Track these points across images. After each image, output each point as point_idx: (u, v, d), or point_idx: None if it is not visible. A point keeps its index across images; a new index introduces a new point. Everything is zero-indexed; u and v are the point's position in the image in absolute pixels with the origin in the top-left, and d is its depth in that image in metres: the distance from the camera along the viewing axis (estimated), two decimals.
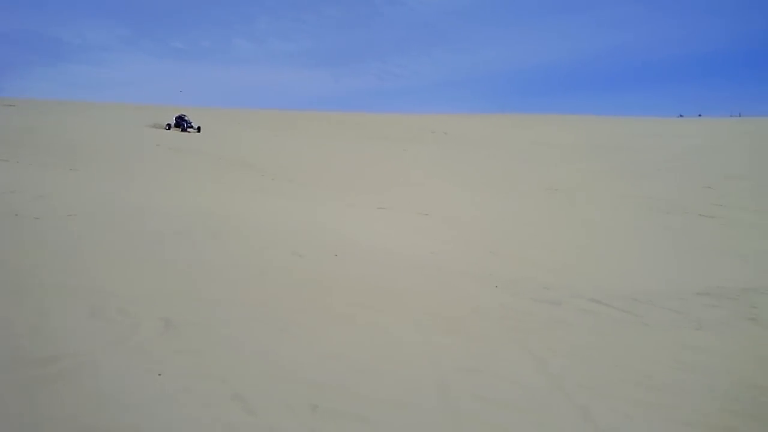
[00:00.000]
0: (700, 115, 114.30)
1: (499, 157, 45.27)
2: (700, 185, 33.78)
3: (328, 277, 12.22)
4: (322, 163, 35.48)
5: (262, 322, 9.14)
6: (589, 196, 30.64)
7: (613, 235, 22.14)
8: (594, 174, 37.94)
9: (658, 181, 35.49)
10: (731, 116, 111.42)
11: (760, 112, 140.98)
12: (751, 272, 16.50)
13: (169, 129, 44.30)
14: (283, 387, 7.11)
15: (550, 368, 8.42)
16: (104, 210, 15.54)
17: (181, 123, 45.18)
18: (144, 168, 24.75)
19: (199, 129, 44.89)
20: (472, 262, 16.00)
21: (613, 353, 9.29)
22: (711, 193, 31.75)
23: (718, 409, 7.45)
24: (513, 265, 16.19)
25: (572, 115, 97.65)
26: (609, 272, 16.14)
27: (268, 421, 6.34)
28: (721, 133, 65.17)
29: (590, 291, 13.12)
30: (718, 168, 39.77)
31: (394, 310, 10.52)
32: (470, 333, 9.75)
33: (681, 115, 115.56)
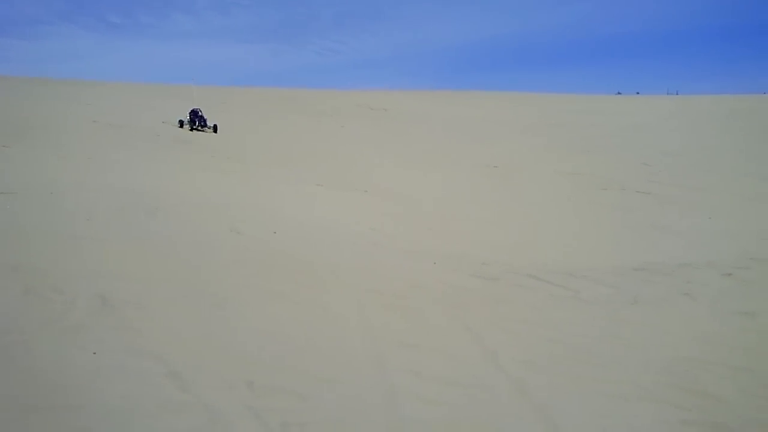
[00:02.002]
0: (638, 93, 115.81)
1: (438, 133, 45.38)
2: (638, 162, 34.26)
3: (266, 253, 12.16)
4: (261, 140, 35.26)
5: (198, 299, 9.07)
6: (528, 172, 30.89)
7: (551, 211, 22.36)
8: (533, 151, 38.26)
9: (596, 157, 35.92)
10: (668, 94, 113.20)
11: (696, 90, 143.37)
12: (686, 248, 16.80)
13: (181, 126, 36.37)
14: (219, 364, 7.06)
15: (486, 343, 8.49)
16: (39, 188, 15.23)
17: (194, 119, 36.43)
18: (81, 145, 24.30)
19: (215, 128, 36.10)
20: (411, 238, 16.05)
21: (550, 328, 9.40)
22: (648, 169, 32.21)
23: (653, 383, 7.58)
24: (452, 241, 16.28)
25: (512, 92, 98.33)
26: (547, 248, 16.32)
27: (203, 398, 6.29)
28: (658, 110, 66.18)
29: (528, 267, 13.24)
30: (655, 145, 40.37)
31: (333, 286, 10.52)
32: (408, 309, 9.80)
33: (619, 93, 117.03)
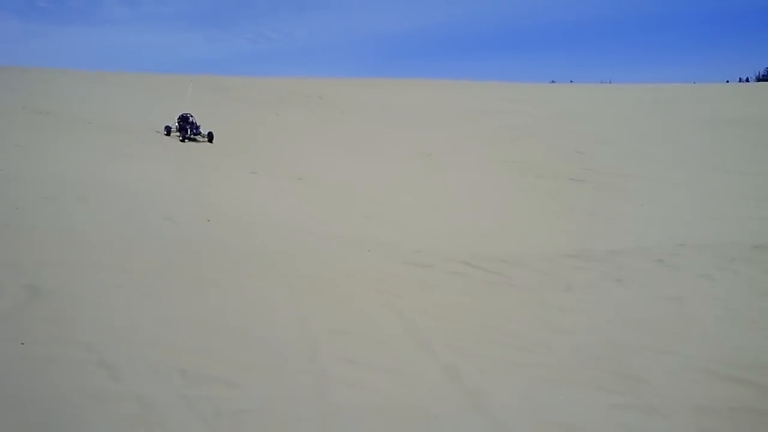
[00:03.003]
0: (571, 81, 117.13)
1: (373, 121, 45.34)
2: (571, 150, 34.64)
3: (199, 241, 12.07)
4: None
5: (130, 288, 8.95)
6: (462, 160, 31.05)
7: (484, 198, 22.53)
8: (467, 138, 38.45)
9: (530, 145, 36.24)
10: (601, 83, 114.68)
11: (629, 79, 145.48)
12: (619, 235, 17.07)
13: (167, 134, 30.45)
14: (151, 353, 6.98)
15: (419, 330, 8.53)
16: None
17: (185, 127, 30.24)
18: (9, 132, 23.76)
19: (210, 137, 30.23)
20: (345, 226, 16.05)
21: (482, 314, 9.48)
22: (581, 157, 32.60)
23: (583, 367, 7.70)
24: (386, 228, 16.31)
25: (447, 80, 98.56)
26: (480, 235, 16.43)
27: (135, 388, 6.21)
28: (592, 99, 67.02)
29: (461, 254, 13.31)
30: (588, 133, 40.87)
31: (266, 274, 10.48)
32: (341, 296, 9.81)
33: (553, 81, 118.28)
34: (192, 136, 30.09)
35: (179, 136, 29.68)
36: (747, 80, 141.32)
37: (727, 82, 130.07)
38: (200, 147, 28.15)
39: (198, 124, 30.59)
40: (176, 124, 30.57)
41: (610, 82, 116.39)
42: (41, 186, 14.75)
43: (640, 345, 8.61)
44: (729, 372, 7.83)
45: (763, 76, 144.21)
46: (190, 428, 5.69)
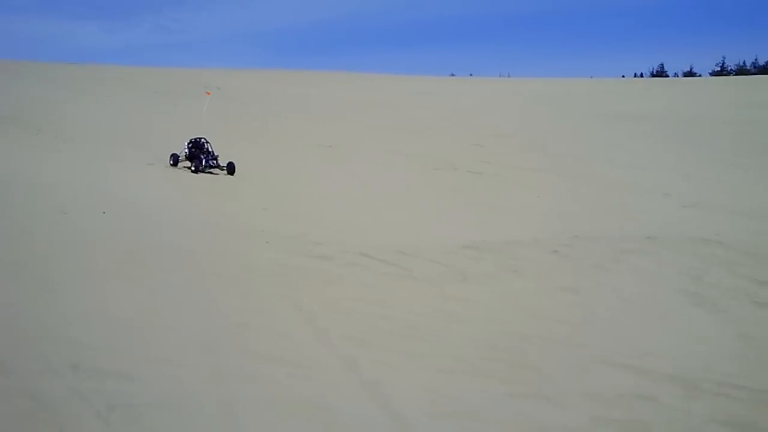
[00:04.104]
0: (471, 75, 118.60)
1: (274, 112, 45.10)
2: (470, 143, 35.08)
3: (94, 234, 11.84)
4: (90, 118, 33.96)
5: (22, 282, 8.75)
6: (362, 152, 31.16)
7: (384, 191, 22.67)
8: (367, 130, 38.62)
9: (430, 138, 36.57)
10: (500, 76, 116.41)
11: (527, 74, 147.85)
12: (515, 226, 17.39)
13: (174, 164, 23.65)
14: (43, 347, 6.83)
15: (318, 322, 8.57)
16: None
17: (199, 156, 23.59)
18: None
19: (231, 168, 23.18)
20: (244, 218, 15.94)
21: (380, 306, 9.57)
22: (480, 150, 33.07)
23: (480, 357, 7.84)
24: (285, 221, 16.26)
25: (348, 72, 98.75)
26: (379, 227, 16.54)
27: (27, 383, 6.08)
28: (491, 92, 67.95)
29: (361, 246, 13.38)
30: (487, 126, 41.46)
31: (163, 267, 10.36)
32: (240, 289, 9.78)
33: (453, 75, 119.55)
34: (208, 166, 23.12)
35: (190, 167, 22.98)
36: (641, 75, 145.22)
37: (623, 77, 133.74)
38: (97, 139, 27.51)
39: (215, 153, 23.89)
40: (185, 150, 23.93)
41: (509, 76, 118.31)
42: None
43: (536, 335, 8.83)
44: (620, 360, 8.09)
45: (657, 71, 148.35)
46: (84, 423, 5.61)
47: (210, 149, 23.95)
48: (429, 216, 18.83)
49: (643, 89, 79.11)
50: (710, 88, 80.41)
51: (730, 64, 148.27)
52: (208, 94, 28.06)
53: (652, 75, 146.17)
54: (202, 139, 24.20)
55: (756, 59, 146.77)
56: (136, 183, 18.83)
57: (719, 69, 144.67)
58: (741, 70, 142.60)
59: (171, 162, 23.58)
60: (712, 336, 9.46)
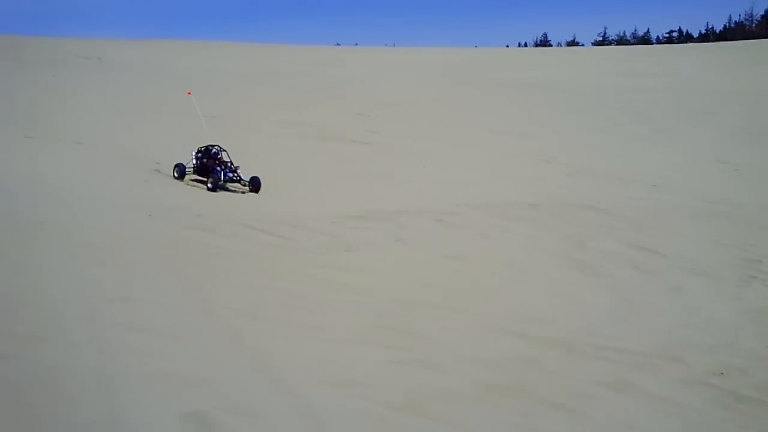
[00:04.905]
0: (356, 45, 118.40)
1: (156, 83, 44.10)
2: (355, 113, 35.08)
3: None
4: None
5: None
6: (247, 123, 30.79)
7: (269, 161, 22.51)
8: (251, 101, 38.19)
9: (316, 108, 36.40)
10: (386, 46, 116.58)
11: (413, 43, 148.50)
12: (401, 195, 17.51)
13: (180, 177, 18.98)
14: None
15: (202, 294, 8.53)
16: None
17: (213, 167, 19.02)
18: None
19: (255, 185, 18.29)
20: (126, 191, 15.63)
21: (266, 276, 9.59)
22: (366, 120, 33.09)
23: (369, 326, 7.94)
24: (168, 193, 16.07)
25: (232, 42, 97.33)
26: (263, 198, 16.49)
27: None
28: (377, 62, 68.00)
29: (245, 217, 13.35)
30: (373, 96, 41.50)
31: (45, 243, 10.09)
32: (123, 263, 9.63)
33: (338, 44, 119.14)
34: (227, 181, 18.84)
35: (207, 183, 18.29)
36: (525, 45, 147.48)
37: (507, 46, 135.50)
38: None
39: (234, 164, 19.37)
40: (194, 161, 19.70)
41: (394, 45, 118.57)
42: None
43: (421, 302, 8.97)
44: (504, 325, 8.31)
45: (541, 41, 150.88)
46: None
47: (227, 159, 19.54)
48: (314, 186, 18.79)
49: (527, 58, 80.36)
50: (593, 58, 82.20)
51: (611, 35, 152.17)
52: (189, 93, 23.42)
53: (536, 44, 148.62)
54: (215, 148, 19.89)
55: (635, 30, 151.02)
56: (12, 156, 18.24)
57: (601, 39, 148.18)
58: (621, 41, 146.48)
59: (175, 174, 18.92)
60: (594, 301, 9.79)
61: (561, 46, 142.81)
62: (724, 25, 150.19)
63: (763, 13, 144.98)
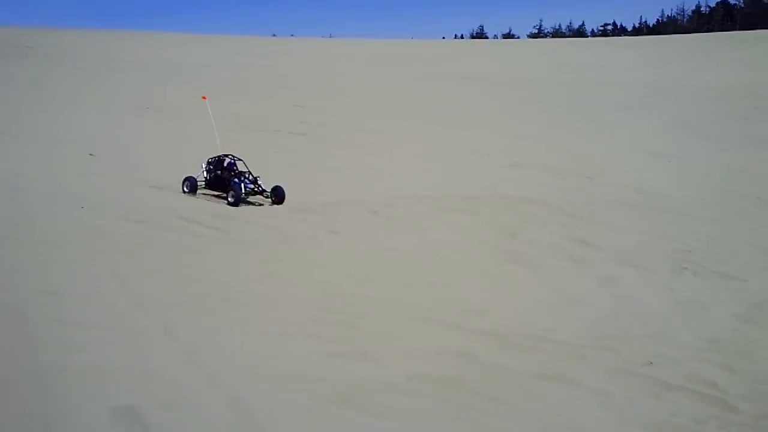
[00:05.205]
0: (292, 35, 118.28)
1: (88, 74, 43.53)
2: (292, 104, 34.99)
3: None
4: None
5: None
6: (183, 114, 30.54)
7: (204, 153, 22.33)
8: (188, 92, 37.84)
9: (252, 99, 36.26)
10: (322, 37, 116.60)
11: (349, 35, 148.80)
12: (338, 187, 17.50)
13: (191, 191, 16.98)
14: None
15: (133, 287, 8.44)
16: None
17: (230, 179, 16.95)
18: None
19: (279, 195, 16.20)
20: (58, 182, 15.40)
21: (201, 269, 9.52)
22: (303, 111, 33.03)
23: (305, 318, 7.93)
24: (100, 184, 15.84)
25: (168, 32, 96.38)
26: (200, 190, 16.33)
27: None
28: (313, 53, 67.88)
29: (179, 209, 13.23)
30: (310, 87, 41.43)
31: None
32: (51, 256, 9.47)
33: (274, 35, 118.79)
34: (248, 193, 16.98)
35: (229, 197, 16.12)
36: (462, 37, 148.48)
37: (444, 38, 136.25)
38: None
39: (254, 174, 17.55)
40: (205, 174, 17.94)
41: (330, 37, 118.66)
42: None
43: (358, 294, 8.99)
44: (439, 318, 8.35)
45: (477, 33, 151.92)
46: None
47: (245, 169, 17.82)
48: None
49: (465, 50, 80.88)
50: (529, 51, 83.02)
51: (547, 27, 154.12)
52: (204, 98, 20.63)
53: (472, 37, 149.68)
54: (228, 157, 18.25)
55: (570, 23, 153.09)
56: None
57: (537, 31, 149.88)
58: (557, 33, 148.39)
59: (185, 189, 16.96)
60: (529, 292, 9.90)
61: (497, 38, 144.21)
62: (657, 19, 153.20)
63: (694, 8, 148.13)
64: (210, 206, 13.88)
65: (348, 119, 31.64)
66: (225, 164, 17.86)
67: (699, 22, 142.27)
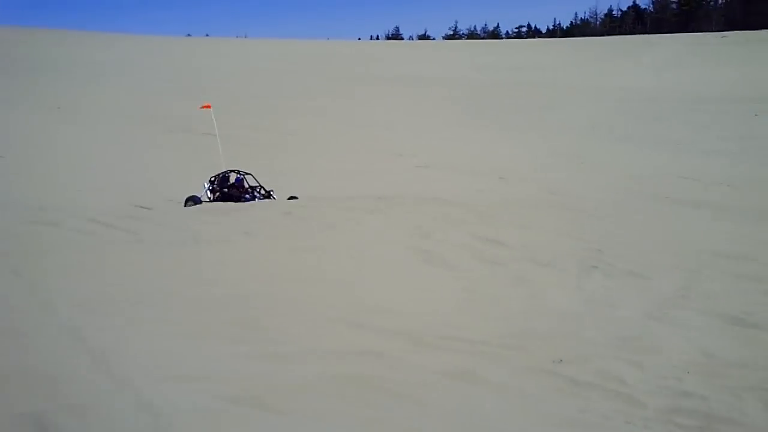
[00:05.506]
0: (207, 35, 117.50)
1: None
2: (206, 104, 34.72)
3: None
4: None
5: None
6: (93, 114, 30.15)
7: (116, 153, 22.10)
8: (99, 92, 37.36)
9: (165, 100, 35.93)
10: (238, 37, 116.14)
11: (263, 35, 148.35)
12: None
13: (193, 202, 15.63)
14: None
15: (42, 290, 8.29)
16: None
17: (244, 199, 16.65)
18: None
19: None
20: None
21: (110, 271, 9.39)
22: (215, 112, 32.73)
23: (214, 320, 7.86)
24: (9, 185, 15.54)
25: (79, 30, 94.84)
26: (109, 191, 16.18)
27: None
28: (229, 53, 67.54)
29: (88, 211, 13.02)
30: (223, 88, 41.18)
31: None
32: None
33: (189, 35, 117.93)
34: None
35: None
36: (377, 38, 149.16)
37: (359, 39, 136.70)
38: None
39: (267, 188, 17.27)
40: (209, 194, 16.89)
41: (246, 37, 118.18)
42: None
43: (268, 294, 8.94)
44: (350, 318, 8.34)
45: (392, 34, 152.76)
46: None
47: (255, 183, 17.35)
48: (161, 178, 18.56)
49: (381, 51, 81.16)
50: (445, 51, 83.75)
51: (462, 29, 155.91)
52: (208, 107, 19.74)
53: (388, 38, 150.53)
54: (233, 173, 17.54)
55: (485, 25, 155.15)
56: None
57: (452, 33, 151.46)
58: (472, 35, 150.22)
59: (189, 203, 15.55)
60: (441, 292, 9.94)
61: (413, 39, 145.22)
62: (571, 22, 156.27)
63: (606, 11, 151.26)
64: (123, 208, 13.66)
65: (262, 120, 31.53)
66: (232, 181, 17.17)
67: (611, 26, 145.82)
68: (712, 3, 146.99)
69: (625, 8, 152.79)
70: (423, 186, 17.84)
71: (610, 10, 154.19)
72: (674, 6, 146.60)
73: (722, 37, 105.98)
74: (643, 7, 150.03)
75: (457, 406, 6.44)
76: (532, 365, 7.47)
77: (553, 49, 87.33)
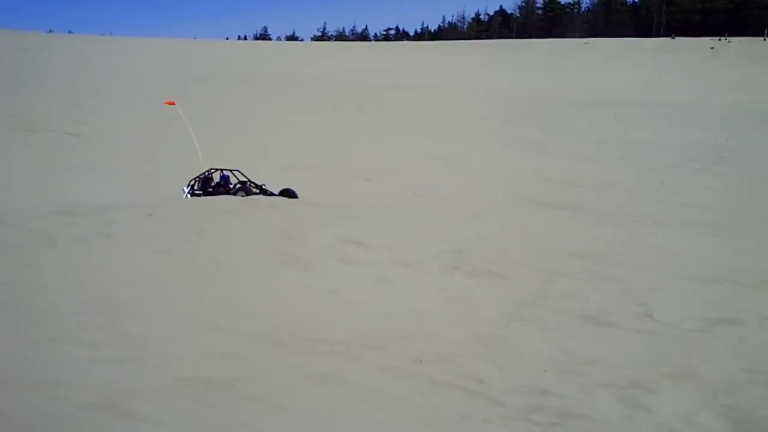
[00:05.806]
0: (70, 32, 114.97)
1: None
2: (68, 103, 33.98)
3: None
4: None
5: None
6: None
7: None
8: None
9: (25, 98, 34.85)
10: (102, 35, 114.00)
11: (129, 33, 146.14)
12: (111, 190, 17.15)
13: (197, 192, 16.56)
14: None
15: None
16: None
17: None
18: None
19: (291, 197, 16.56)
20: None
21: None
22: (78, 111, 32.06)
23: (70, 324, 7.66)
24: None
25: None
26: None
27: None
28: (92, 51, 66.08)
29: None
30: (87, 86, 40.34)
31: None
32: None
33: (51, 31, 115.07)
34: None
35: None
36: (245, 38, 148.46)
37: (227, 39, 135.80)
38: None
39: (259, 182, 17.03)
40: (188, 195, 16.38)
41: (111, 35, 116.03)
42: None
43: (126, 298, 8.77)
44: (212, 321, 8.28)
45: (261, 34, 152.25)
46: None
47: (244, 179, 16.84)
48: (19, 179, 18.02)
49: (250, 51, 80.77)
50: (314, 52, 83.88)
51: (331, 30, 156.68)
52: (173, 104, 18.95)
53: (256, 38, 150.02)
54: (217, 171, 16.86)
55: (354, 26, 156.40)
56: None
57: (320, 34, 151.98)
58: (341, 36, 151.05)
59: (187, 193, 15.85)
60: (302, 293, 9.95)
61: (281, 40, 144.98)
62: (439, 25, 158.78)
63: (473, 15, 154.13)
64: None
65: (125, 120, 30.95)
66: (217, 180, 16.65)
67: (478, 30, 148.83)
68: (575, 10, 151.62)
69: (492, 13, 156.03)
70: (287, 187, 17.72)
71: (478, 15, 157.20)
72: (539, 12, 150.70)
73: (585, 43, 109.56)
74: (509, 12, 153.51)
75: (318, 408, 6.46)
76: (392, 366, 7.55)
77: (422, 51, 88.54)
